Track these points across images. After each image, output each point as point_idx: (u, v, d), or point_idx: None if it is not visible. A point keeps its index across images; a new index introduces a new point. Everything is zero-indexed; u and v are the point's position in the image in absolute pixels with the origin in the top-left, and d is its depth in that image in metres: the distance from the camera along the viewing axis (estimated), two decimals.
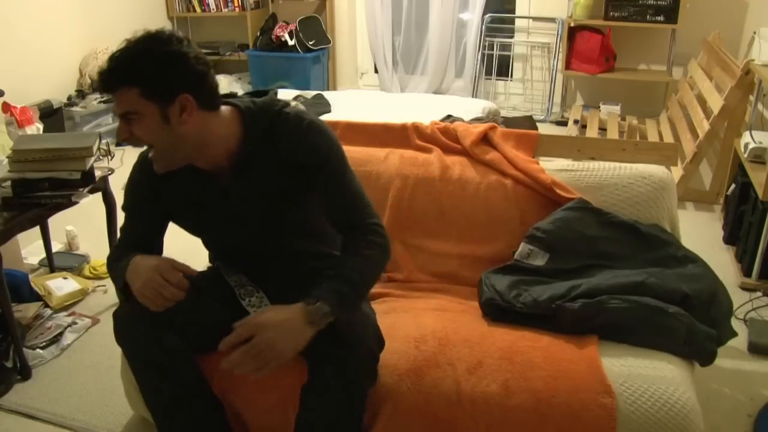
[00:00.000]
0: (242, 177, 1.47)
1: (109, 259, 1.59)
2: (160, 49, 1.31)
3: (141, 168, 1.54)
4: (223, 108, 1.44)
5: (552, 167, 2.04)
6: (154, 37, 1.32)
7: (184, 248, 1.78)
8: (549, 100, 5.05)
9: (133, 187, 1.57)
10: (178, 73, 1.32)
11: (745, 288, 2.63)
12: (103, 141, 4.01)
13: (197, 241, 1.67)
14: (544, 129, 4.66)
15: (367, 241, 1.45)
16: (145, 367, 1.49)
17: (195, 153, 1.42)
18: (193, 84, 1.34)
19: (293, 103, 3.80)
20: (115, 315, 1.51)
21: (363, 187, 1.53)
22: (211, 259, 1.74)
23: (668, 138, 3.97)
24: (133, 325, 1.48)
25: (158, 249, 1.60)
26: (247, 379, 1.55)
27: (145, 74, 1.30)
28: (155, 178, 1.47)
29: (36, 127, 3.19)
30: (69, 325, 2.34)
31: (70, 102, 4.32)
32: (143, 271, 1.39)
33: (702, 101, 3.71)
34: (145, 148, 1.47)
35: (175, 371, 1.48)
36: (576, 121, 4.48)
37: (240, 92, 5.12)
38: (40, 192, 2.09)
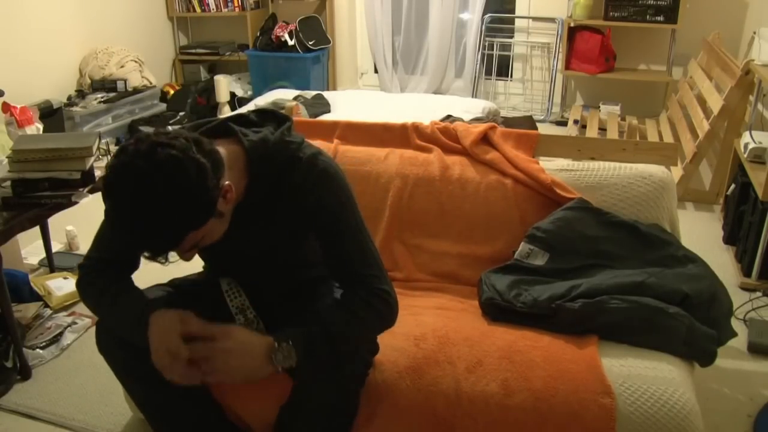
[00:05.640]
0: (246, 215, 1.38)
1: (83, 281, 1.45)
2: (186, 191, 1.14)
3: None
4: (227, 148, 1.30)
5: (552, 167, 2.04)
6: (163, 184, 1.13)
7: None
8: (549, 100, 5.05)
9: None
10: (211, 188, 1.18)
11: (745, 288, 2.63)
12: (103, 141, 4.01)
13: None
14: (544, 129, 4.66)
15: (370, 305, 1.37)
16: (129, 377, 1.47)
17: None
18: (218, 172, 1.22)
19: (301, 109, 3.79)
20: (98, 325, 1.48)
21: (372, 242, 1.44)
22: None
23: (668, 138, 3.97)
24: (114, 336, 1.44)
25: (134, 265, 1.49)
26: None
27: (194, 219, 1.18)
28: None
29: (36, 127, 3.18)
30: (69, 325, 2.34)
31: (70, 102, 4.32)
32: (153, 341, 1.29)
33: (702, 101, 3.71)
34: None
35: (161, 380, 1.46)
36: (576, 121, 4.48)
37: (239, 92, 5.06)
38: (40, 192, 2.09)
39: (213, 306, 1.53)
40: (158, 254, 1.21)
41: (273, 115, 1.46)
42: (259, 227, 1.43)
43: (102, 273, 1.44)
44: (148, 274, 1.52)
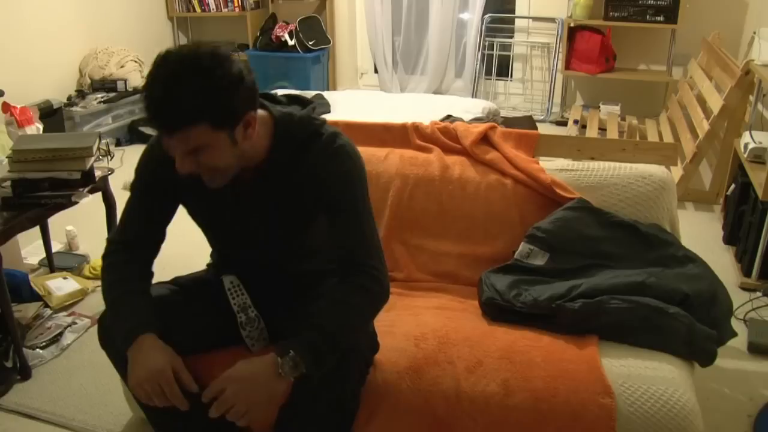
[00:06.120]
0: (261, 186, 1.44)
1: (106, 256, 1.50)
2: (220, 77, 1.23)
3: (160, 144, 1.44)
4: (259, 112, 1.37)
5: (552, 167, 2.04)
6: (205, 63, 1.23)
7: (184, 251, 1.78)
8: (549, 100, 5.05)
9: (149, 165, 1.48)
10: (241, 95, 1.27)
11: (745, 288, 2.63)
12: (103, 141, 4.01)
13: (196, 243, 1.67)
14: (544, 129, 4.66)
15: (356, 286, 1.39)
16: None
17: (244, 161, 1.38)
18: (252, 99, 1.31)
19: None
20: (100, 320, 1.49)
21: (376, 229, 1.46)
22: (211, 255, 1.74)
23: (668, 138, 3.97)
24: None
25: (160, 238, 1.53)
26: None
27: (214, 107, 1.24)
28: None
29: (36, 127, 3.19)
30: (69, 325, 2.34)
31: (70, 102, 4.32)
32: (145, 368, 1.32)
33: (702, 101, 3.71)
34: None
35: None
36: (576, 121, 4.48)
37: None
38: (40, 192, 2.09)
39: (215, 304, 1.55)
40: (165, 123, 1.23)
41: (298, 99, 1.52)
42: (272, 202, 1.45)
43: (126, 259, 1.48)
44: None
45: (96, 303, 2.55)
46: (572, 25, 4.69)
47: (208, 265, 1.74)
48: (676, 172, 3.44)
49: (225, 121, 1.26)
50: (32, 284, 2.48)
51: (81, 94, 4.48)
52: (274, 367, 1.29)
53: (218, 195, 1.44)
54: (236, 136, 1.29)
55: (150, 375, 1.31)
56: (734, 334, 1.75)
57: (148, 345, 1.35)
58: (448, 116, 3.49)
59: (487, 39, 5.17)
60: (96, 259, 2.83)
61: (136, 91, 4.68)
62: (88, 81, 4.57)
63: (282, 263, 1.59)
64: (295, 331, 1.35)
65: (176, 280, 1.62)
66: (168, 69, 1.23)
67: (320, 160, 1.41)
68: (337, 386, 1.40)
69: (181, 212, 1.55)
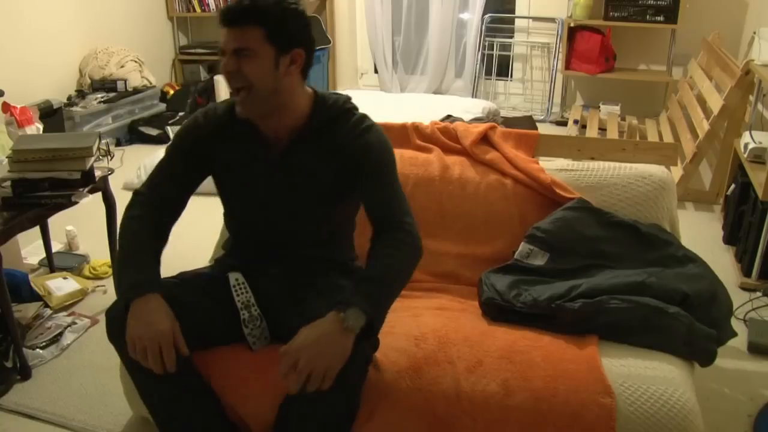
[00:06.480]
0: (294, 154, 1.54)
1: (130, 208, 1.57)
2: (292, 3, 1.44)
3: (206, 116, 1.59)
4: (306, 88, 1.55)
5: (552, 167, 2.04)
6: None
7: (185, 251, 1.78)
8: (549, 100, 5.05)
9: (189, 131, 1.59)
10: (301, 29, 1.47)
11: (745, 288, 2.63)
12: (103, 141, 4.01)
13: (197, 243, 1.67)
14: (544, 129, 4.66)
15: (394, 240, 1.48)
16: (137, 366, 1.48)
17: (276, 111, 1.49)
18: (307, 43, 1.48)
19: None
20: (108, 314, 1.50)
21: (404, 195, 1.57)
22: (224, 246, 1.74)
23: (668, 138, 3.97)
24: (125, 324, 1.47)
25: (182, 205, 1.60)
26: (245, 378, 1.56)
27: (276, 19, 1.41)
28: (216, 128, 1.56)
29: (36, 127, 3.19)
30: (69, 325, 2.34)
31: (70, 102, 4.32)
32: (150, 327, 1.37)
33: (702, 101, 3.71)
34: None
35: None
36: (576, 121, 4.48)
37: None
38: (40, 192, 2.09)
39: (218, 300, 1.57)
40: (231, 16, 1.40)
41: (334, 93, 1.64)
42: (301, 174, 1.54)
43: (148, 216, 1.55)
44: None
45: (96, 303, 2.55)
46: (572, 25, 4.70)
47: (212, 261, 1.74)
48: (676, 172, 3.44)
49: (277, 38, 1.42)
50: (32, 284, 2.48)
51: (81, 94, 4.48)
52: (339, 323, 1.33)
53: (252, 157, 1.55)
54: (280, 62, 1.44)
55: (154, 334, 1.36)
56: (734, 334, 1.75)
57: (155, 305, 1.41)
58: (448, 116, 3.49)
59: (487, 39, 5.17)
60: (96, 259, 2.83)
61: (136, 90, 4.68)
62: (88, 81, 4.57)
63: (296, 245, 1.62)
64: (297, 329, 1.36)
65: (180, 276, 1.64)
66: None
67: (351, 133, 1.54)
68: (338, 384, 1.40)
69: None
